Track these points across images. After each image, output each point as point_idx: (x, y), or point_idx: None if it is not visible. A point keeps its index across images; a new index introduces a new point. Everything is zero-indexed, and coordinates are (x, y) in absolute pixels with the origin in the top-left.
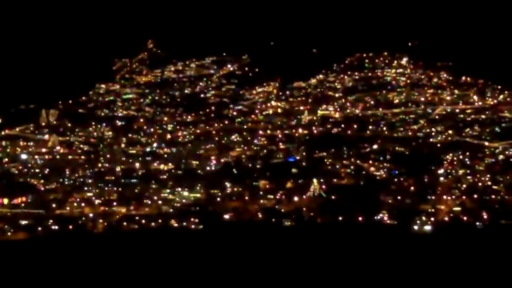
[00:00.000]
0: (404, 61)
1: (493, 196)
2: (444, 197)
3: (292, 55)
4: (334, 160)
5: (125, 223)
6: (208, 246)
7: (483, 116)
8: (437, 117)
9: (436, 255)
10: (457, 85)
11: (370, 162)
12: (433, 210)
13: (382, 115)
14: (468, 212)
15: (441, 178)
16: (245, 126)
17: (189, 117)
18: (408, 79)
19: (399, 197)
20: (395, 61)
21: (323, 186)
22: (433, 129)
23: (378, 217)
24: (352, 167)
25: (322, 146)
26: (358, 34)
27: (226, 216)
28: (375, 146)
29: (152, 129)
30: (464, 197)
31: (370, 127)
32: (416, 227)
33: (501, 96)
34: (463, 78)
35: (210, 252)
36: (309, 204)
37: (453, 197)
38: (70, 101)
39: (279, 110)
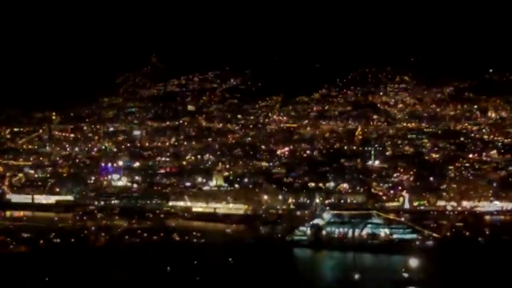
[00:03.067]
0: (406, 76)
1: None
2: (447, 212)
3: (294, 69)
4: (335, 176)
5: (126, 237)
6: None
7: (485, 132)
8: (439, 132)
9: (438, 270)
10: (460, 100)
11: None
12: (435, 225)
13: (385, 130)
14: (470, 227)
15: (444, 193)
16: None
17: (192, 130)
18: (411, 94)
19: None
20: (398, 77)
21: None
22: (436, 144)
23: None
24: (354, 182)
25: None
26: (360, 49)
27: (228, 230)
28: (377, 162)
29: (155, 143)
30: (466, 212)
31: (373, 142)
32: (418, 242)
33: (504, 112)
34: (466, 93)
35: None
36: None
37: (456, 212)
38: (72, 114)
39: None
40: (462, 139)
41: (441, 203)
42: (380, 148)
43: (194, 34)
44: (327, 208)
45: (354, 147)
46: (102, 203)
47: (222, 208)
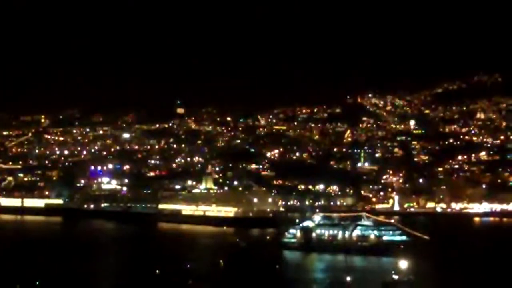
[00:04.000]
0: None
1: None
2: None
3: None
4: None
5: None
6: None
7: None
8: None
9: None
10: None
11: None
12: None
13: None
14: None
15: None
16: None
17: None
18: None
19: None
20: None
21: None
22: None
23: None
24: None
25: None
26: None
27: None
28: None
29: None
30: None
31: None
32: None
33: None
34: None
35: None
36: None
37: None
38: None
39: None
40: (451, 140)
41: (430, 204)
42: (370, 150)
43: (192, 35)
44: (317, 210)
45: (344, 149)
46: (92, 206)
47: (212, 211)
